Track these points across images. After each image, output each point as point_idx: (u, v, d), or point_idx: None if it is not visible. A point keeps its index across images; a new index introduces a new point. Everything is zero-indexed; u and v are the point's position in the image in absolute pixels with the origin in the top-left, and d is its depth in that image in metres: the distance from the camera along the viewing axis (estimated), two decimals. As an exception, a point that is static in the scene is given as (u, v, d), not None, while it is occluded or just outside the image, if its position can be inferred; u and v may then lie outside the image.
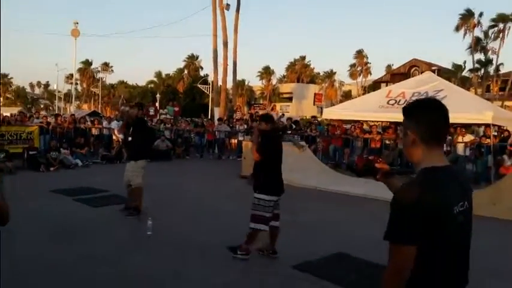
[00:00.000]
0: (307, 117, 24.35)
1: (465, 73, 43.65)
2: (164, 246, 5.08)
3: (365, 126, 14.47)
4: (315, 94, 45.81)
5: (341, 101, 53.54)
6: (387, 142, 12.88)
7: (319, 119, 18.01)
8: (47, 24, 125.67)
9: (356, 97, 52.37)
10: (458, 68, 43.17)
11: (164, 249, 4.99)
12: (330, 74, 64.75)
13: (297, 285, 4.04)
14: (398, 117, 9.90)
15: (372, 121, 14.11)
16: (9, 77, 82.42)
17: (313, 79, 65.00)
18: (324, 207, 7.69)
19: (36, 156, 11.71)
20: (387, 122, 13.99)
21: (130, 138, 6.77)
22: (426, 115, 1.57)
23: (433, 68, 36.83)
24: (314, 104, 44.30)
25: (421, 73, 36.82)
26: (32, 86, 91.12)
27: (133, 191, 6.54)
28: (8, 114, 16.67)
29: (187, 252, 4.88)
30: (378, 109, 13.19)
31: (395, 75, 43.60)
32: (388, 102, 13.41)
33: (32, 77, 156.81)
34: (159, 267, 4.42)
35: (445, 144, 10.20)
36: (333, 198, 8.69)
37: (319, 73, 68.70)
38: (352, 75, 69.45)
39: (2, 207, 1.91)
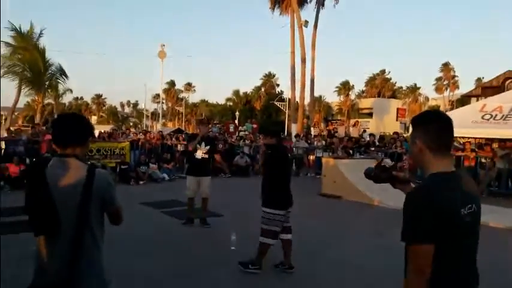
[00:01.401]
0: (390, 134, 23.27)
1: None
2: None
3: (456, 143, 13.41)
4: (398, 109, 43.79)
5: (426, 117, 50.59)
6: (483, 160, 11.78)
7: (405, 135, 17.06)
8: (137, 47, 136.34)
9: (444, 112, 49.02)
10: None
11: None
12: (414, 89, 61.76)
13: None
14: (495, 133, 9.09)
15: (464, 137, 13.04)
16: (103, 97, 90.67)
17: (394, 94, 62.53)
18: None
19: (128, 170, 12.52)
20: (482, 138, 12.86)
21: (200, 155, 6.69)
22: (432, 126, 1.70)
23: (532, 79, 33.37)
24: (397, 120, 42.33)
25: (518, 86, 33.52)
26: (122, 105, 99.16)
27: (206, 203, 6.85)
28: (102, 131, 18.17)
29: (269, 267, 4.80)
30: (471, 124, 12.17)
31: (487, 89, 40.10)
32: (482, 117, 12.33)
33: (122, 97, 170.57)
34: (243, 282, 4.38)
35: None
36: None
37: (401, 87, 66.00)
38: (438, 89, 65.81)
39: (119, 209, 2.11)
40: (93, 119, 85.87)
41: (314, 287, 4.41)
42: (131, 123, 79.76)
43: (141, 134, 18.05)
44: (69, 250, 1.90)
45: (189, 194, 6.76)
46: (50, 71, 20.24)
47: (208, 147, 6.75)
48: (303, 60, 25.80)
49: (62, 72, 21.00)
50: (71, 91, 26.28)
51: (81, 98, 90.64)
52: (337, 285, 4.50)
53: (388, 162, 11.59)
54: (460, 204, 1.62)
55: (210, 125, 8.31)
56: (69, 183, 1.93)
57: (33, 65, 18.98)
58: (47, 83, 20.29)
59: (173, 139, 17.17)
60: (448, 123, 1.73)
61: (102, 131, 18.56)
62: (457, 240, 1.60)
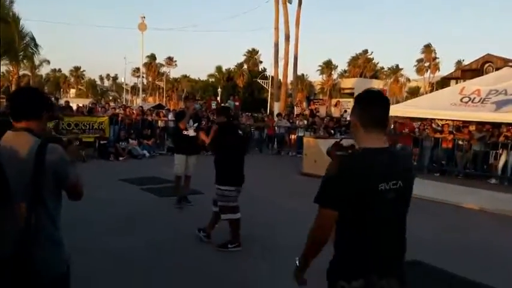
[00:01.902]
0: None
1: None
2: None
3: (434, 125, 13.65)
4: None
5: (407, 98, 51.21)
6: (460, 143, 12.03)
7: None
8: (116, 18, 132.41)
9: (424, 94, 49.84)
10: (539, 63, 39.57)
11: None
12: (395, 70, 62.16)
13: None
14: (473, 116, 9.21)
15: (443, 119, 13.27)
16: (81, 70, 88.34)
17: (376, 74, 62.87)
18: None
19: (107, 146, 12.32)
20: (460, 121, 13.09)
21: (193, 133, 6.63)
22: (365, 104, 1.83)
23: (510, 64, 33.95)
24: (377, 101, 42.72)
25: (496, 69, 34.14)
26: (101, 78, 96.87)
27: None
28: (81, 105, 17.72)
29: (248, 246, 4.84)
30: (449, 107, 12.34)
31: (467, 72, 40.71)
32: (461, 100, 12.49)
33: (102, 70, 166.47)
34: (220, 260, 4.40)
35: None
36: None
37: (382, 68, 66.36)
38: (419, 70, 66.43)
39: (76, 184, 2.08)
40: (72, 92, 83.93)
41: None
42: (111, 97, 78.23)
43: (121, 109, 17.72)
44: (23, 225, 1.91)
45: (178, 172, 6.62)
46: (24, 41, 19.52)
47: (196, 124, 6.69)
48: (287, 38, 25.56)
49: (34, 43, 20.29)
50: (48, 62, 25.49)
51: (59, 70, 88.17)
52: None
53: (348, 142, 11.66)
54: (381, 179, 1.74)
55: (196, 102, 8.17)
56: (20, 158, 1.92)
57: (6, 34, 18.23)
58: (21, 53, 19.57)
59: (154, 115, 16.92)
60: (380, 101, 1.85)
61: (81, 105, 18.07)
62: (370, 211, 1.74)
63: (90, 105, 17.70)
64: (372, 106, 1.84)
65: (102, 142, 12.34)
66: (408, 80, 62.96)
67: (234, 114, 5.36)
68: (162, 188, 8.01)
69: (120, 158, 11.77)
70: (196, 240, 5.00)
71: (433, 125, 13.58)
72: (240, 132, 5.06)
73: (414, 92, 57.64)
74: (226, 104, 28.06)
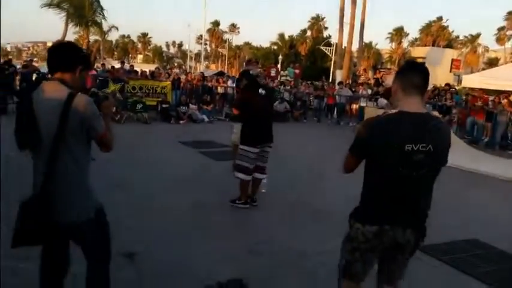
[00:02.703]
0: (441, 85, 21.99)
1: None
2: (277, 205, 5.06)
3: (512, 98, 12.45)
4: (453, 60, 40.90)
5: (483, 69, 47.28)
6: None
7: (457, 88, 16.03)
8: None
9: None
10: None
11: (276, 207, 4.97)
12: (473, 38, 57.15)
13: (415, 267, 3.61)
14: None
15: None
16: (148, 36, 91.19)
17: (450, 43, 58.38)
18: (458, 188, 6.84)
19: (168, 110, 12.71)
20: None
21: None
22: (407, 71, 2.06)
23: None
24: (451, 71, 39.81)
25: None
26: (167, 45, 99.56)
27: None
28: (147, 70, 18.30)
29: (296, 212, 4.80)
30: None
31: (556, 41, 36.61)
32: (547, 71, 11.29)
33: (168, 37, 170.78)
34: (269, 222, 4.40)
35: None
36: (469, 178, 7.69)
37: (458, 36, 61.42)
38: (500, 39, 60.69)
39: (103, 136, 2.11)
40: (139, 58, 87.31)
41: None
42: (175, 64, 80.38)
43: (183, 75, 18.10)
44: (47, 166, 2.02)
45: (236, 141, 6.10)
46: (93, 7, 20.38)
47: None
48: (353, 1, 24.26)
49: (101, 8, 21.08)
50: (117, 29, 26.40)
51: (128, 36, 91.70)
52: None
53: (435, 113, 11.03)
54: (408, 140, 1.91)
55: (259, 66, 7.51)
56: (49, 104, 2.00)
57: (78, 1, 19.12)
58: (90, 18, 20.48)
59: (213, 81, 17.10)
60: (418, 69, 2.06)
61: (145, 70, 18.66)
62: (394, 167, 1.95)
63: (154, 69, 18.18)
64: (411, 72, 2.05)
65: (164, 106, 12.73)
66: (487, 49, 57.77)
67: (252, 76, 5.13)
68: (218, 152, 8.14)
69: (181, 122, 12.11)
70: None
71: (511, 98, 12.38)
72: (262, 91, 4.82)
73: (493, 63, 52.90)
74: (286, 72, 27.64)
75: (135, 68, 17.18)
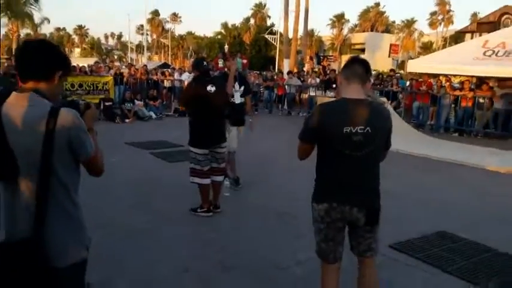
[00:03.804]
0: (383, 71, 22.63)
1: None
2: (241, 209, 4.77)
3: (454, 83, 12.97)
4: (391, 45, 42.63)
5: (419, 54, 49.52)
6: (481, 100, 11.41)
7: (402, 72, 16.49)
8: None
9: (437, 49, 48.06)
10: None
11: (240, 212, 4.68)
12: (409, 23, 59.68)
13: (396, 268, 3.50)
14: (497, 70, 8.65)
15: (463, 75, 12.59)
16: (85, 28, 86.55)
17: (388, 28, 60.62)
18: (411, 174, 6.93)
19: (112, 107, 11.94)
20: (480, 77, 12.40)
21: (239, 99, 5.42)
22: (350, 63, 2.31)
23: (531, 15, 32.26)
24: (389, 56, 41.37)
25: (515, 21, 32.39)
26: (106, 37, 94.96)
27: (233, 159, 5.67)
28: (86, 65, 17.14)
29: (267, 216, 4.53)
30: (472, 61, 11.66)
31: (483, 25, 38.92)
32: (484, 54, 11.79)
33: (106, 28, 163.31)
34: (236, 231, 4.10)
35: None
36: (418, 162, 7.83)
37: (394, 22, 63.91)
38: (432, 24, 63.95)
39: (95, 157, 1.75)
40: (76, 52, 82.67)
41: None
42: (116, 56, 76.98)
43: (125, 68, 17.16)
44: (35, 202, 1.62)
45: (235, 148, 5.49)
46: (22, -1, 18.75)
47: (243, 87, 5.48)
48: (297, -12, 24.16)
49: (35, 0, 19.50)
50: (48, 21, 24.56)
51: (64, 29, 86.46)
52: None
53: (382, 100, 11.25)
54: (347, 124, 2.13)
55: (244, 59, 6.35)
56: (27, 123, 1.59)
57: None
58: (19, 8, 18.80)
59: (159, 74, 16.37)
60: (360, 61, 2.31)
61: (84, 65, 17.48)
62: (336, 147, 2.17)
63: (93, 64, 17.04)
64: (353, 64, 2.30)
65: (107, 103, 11.93)
66: (422, 34, 60.63)
67: (206, 67, 4.52)
68: (170, 152, 7.68)
69: (126, 120, 11.42)
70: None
71: (452, 82, 12.90)
72: (211, 88, 4.28)
73: (427, 47, 55.68)
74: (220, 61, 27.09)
75: (73, 63, 16.02)
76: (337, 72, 16.73)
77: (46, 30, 62.00)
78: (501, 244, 3.95)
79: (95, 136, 1.82)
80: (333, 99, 9.72)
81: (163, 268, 3.35)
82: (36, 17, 21.39)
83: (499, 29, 23.64)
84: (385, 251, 3.75)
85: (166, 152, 7.69)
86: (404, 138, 9.38)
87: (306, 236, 4.03)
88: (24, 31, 26.17)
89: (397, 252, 3.75)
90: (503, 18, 38.51)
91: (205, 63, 4.54)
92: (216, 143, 4.40)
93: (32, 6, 19.42)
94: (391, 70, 16.98)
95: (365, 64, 2.29)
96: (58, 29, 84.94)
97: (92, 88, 13.26)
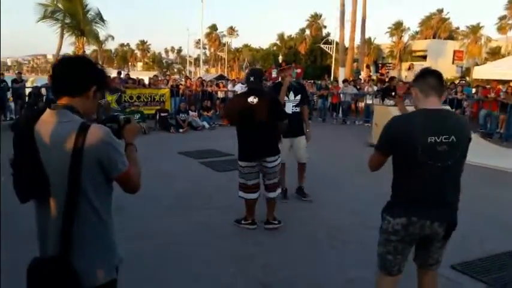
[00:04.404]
0: (446, 78, 21.37)
1: None
2: (286, 223, 4.54)
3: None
4: (455, 51, 40.46)
5: (486, 59, 46.48)
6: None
7: (467, 79, 15.48)
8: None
9: (506, 54, 44.84)
10: None
11: (287, 227, 4.45)
12: (475, 28, 56.40)
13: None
14: None
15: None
16: (147, 44, 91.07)
17: (451, 35, 57.65)
18: (480, 186, 6.30)
19: (167, 118, 12.23)
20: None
21: (293, 108, 5.16)
22: (424, 76, 2.25)
23: None
24: (453, 63, 39.23)
25: None
26: (166, 51, 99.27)
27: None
28: (144, 78, 17.84)
29: (313, 232, 4.27)
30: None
31: (559, 27, 35.93)
32: None
33: (166, 43, 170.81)
34: (278, 246, 3.89)
35: None
36: (488, 174, 7.15)
37: (458, 28, 60.69)
38: (501, 29, 59.92)
39: (128, 174, 1.66)
40: (139, 66, 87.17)
41: (359, 245, 3.84)
42: (175, 70, 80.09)
43: (182, 81, 17.65)
44: (62, 222, 1.58)
45: (284, 159, 5.10)
46: (89, 16, 19.98)
47: (299, 96, 5.22)
48: (354, -3, 23.67)
49: (100, 17, 20.70)
50: (113, 38, 25.97)
51: (127, 45, 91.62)
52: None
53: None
54: (431, 133, 2.07)
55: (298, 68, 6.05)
56: (56, 140, 1.56)
57: (73, 10, 18.72)
58: (86, 28, 20.06)
59: (214, 86, 16.63)
60: (433, 73, 2.24)
61: (143, 78, 18.19)
62: (419, 158, 2.07)
63: (152, 77, 17.68)
64: (427, 76, 2.23)
65: (162, 114, 12.24)
66: (489, 40, 56.98)
67: (252, 82, 4.23)
68: (220, 161, 7.65)
69: (180, 130, 11.62)
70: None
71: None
72: (253, 99, 4.05)
73: (495, 53, 52.14)
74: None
75: (133, 77, 16.75)
76: (397, 79, 16.05)
77: (111, 46, 65.84)
78: None
79: (133, 152, 1.77)
80: (392, 107, 9.19)
81: (199, 284, 3.22)
82: (101, 34, 22.71)
83: None
84: (447, 272, 3.37)
85: (216, 161, 7.66)
86: (472, 148, 8.66)
87: (355, 252, 3.76)
88: (91, 47, 27.85)
89: (460, 274, 3.35)
90: None
91: (252, 78, 4.22)
92: (261, 156, 4.15)
93: (98, 25, 20.69)
94: (461, 77, 15.92)
95: (439, 76, 2.23)
96: (122, 45, 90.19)
97: (149, 100, 13.76)
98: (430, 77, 2.21)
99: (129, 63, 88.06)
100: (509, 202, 5.55)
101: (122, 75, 15.97)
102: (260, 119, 4.04)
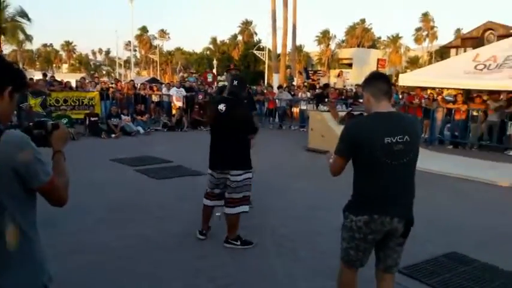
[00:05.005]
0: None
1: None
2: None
3: (445, 94, 12.86)
4: (378, 60, 42.94)
5: (406, 68, 50.02)
6: (475, 113, 11.27)
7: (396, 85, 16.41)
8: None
9: (423, 63, 48.53)
10: (543, 30, 38.49)
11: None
12: (395, 39, 60.62)
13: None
14: (490, 84, 8.47)
15: (457, 89, 12.49)
16: (73, 44, 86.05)
17: (374, 44, 61.38)
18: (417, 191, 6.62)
19: (98, 123, 11.54)
20: (473, 90, 12.31)
21: None
22: (374, 81, 2.37)
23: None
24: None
25: (498, 37, 32.99)
26: (94, 53, 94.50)
27: None
28: (71, 81, 16.69)
29: (261, 240, 4.15)
30: (463, 75, 11.56)
31: (467, 40, 39.55)
32: (476, 67, 11.71)
33: (94, 44, 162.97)
34: (226, 257, 3.73)
35: None
36: (418, 177, 7.51)
37: (380, 38, 64.88)
38: (417, 39, 65.15)
39: (51, 185, 1.48)
40: (64, 68, 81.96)
41: (308, 253, 3.79)
42: (104, 72, 76.45)
43: (112, 83, 16.82)
44: None
45: None
46: (7, 13, 18.30)
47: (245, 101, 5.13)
48: (285, 4, 24.24)
49: (23, 15, 19.08)
50: (31, 38, 24.01)
51: (51, 45, 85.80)
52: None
53: (358, 109, 10.98)
54: (387, 134, 2.19)
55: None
56: None
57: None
58: (8, 25, 18.34)
59: (147, 89, 16.03)
60: (383, 78, 2.39)
61: (69, 81, 17.02)
62: (378, 158, 2.19)
63: (79, 79, 16.56)
64: (378, 82, 2.34)
65: (92, 119, 11.50)
66: (408, 49, 61.55)
67: (222, 90, 4.20)
68: (157, 168, 7.29)
69: (113, 136, 10.99)
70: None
71: (444, 95, 12.79)
72: (222, 107, 3.82)
73: (414, 62, 56.44)
74: (223, 77, 26.85)
75: (58, 79, 15.61)
76: (331, 86, 16.61)
77: (32, 46, 61.09)
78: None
79: (61, 160, 1.59)
80: (326, 113, 9.40)
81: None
82: (20, 34, 20.96)
83: (482, 44, 23.96)
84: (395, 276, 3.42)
85: (152, 168, 7.30)
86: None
87: (305, 261, 3.71)
88: (10, 47, 25.67)
89: (407, 278, 3.41)
90: (486, 34, 39.16)
91: (235, 82, 3.94)
92: (223, 167, 3.91)
93: (21, 22, 19.02)
94: (392, 84, 16.83)
95: (388, 81, 2.39)
96: (45, 45, 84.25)
97: (77, 103, 12.92)
98: (380, 83, 2.33)
99: (54, 65, 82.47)
100: (441, 204, 5.87)
101: (48, 78, 14.82)
102: (224, 129, 3.84)
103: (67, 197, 1.54)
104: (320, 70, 37.59)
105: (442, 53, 47.10)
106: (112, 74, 61.77)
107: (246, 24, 63.86)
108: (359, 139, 2.23)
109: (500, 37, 29.44)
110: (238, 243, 3.97)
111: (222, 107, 3.83)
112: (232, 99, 3.91)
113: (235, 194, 3.90)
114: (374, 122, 2.26)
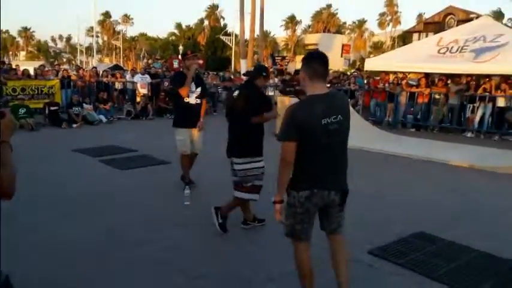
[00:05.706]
0: (335, 70, 22.84)
1: (505, 21, 40.51)
2: (204, 221, 4.30)
3: (410, 81, 13.13)
4: (343, 45, 43.46)
5: (370, 53, 50.82)
6: (437, 97, 11.57)
7: (359, 73, 16.62)
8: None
9: (386, 48, 49.45)
10: (498, 15, 40.03)
11: (204, 224, 4.21)
12: (360, 23, 61.29)
13: (380, 279, 3.19)
14: (452, 68, 8.72)
15: (420, 72, 12.77)
16: (31, 31, 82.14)
17: (340, 29, 61.88)
18: (377, 171, 6.75)
19: (58, 112, 11.06)
20: (436, 74, 12.63)
21: (196, 99, 5.27)
22: (309, 60, 2.47)
23: (472, 15, 33.90)
24: (341, 56, 42.13)
25: (458, 22, 33.93)
26: (53, 39, 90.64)
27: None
28: (31, 68, 15.87)
29: (231, 225, 4.09)
30: (427, 59, 11.86)
31: (429, 25, 40.73)
32: (439, 51, 12.03)
33: (53, 30, 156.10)
34: (205, 242, 3.65)
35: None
36: (382, 159, 7.71)
37: (345, 23, 65.47)
38: (381, 24, 66.13)
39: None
40: (22, 55, 78.19)
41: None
42: (64, 59, 73.51)
43: (74, 71, 16.14)
44: None
45: (184, 150, 5.28)
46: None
47: (199, 89, 5.30)
48: (253, -11, 23.91)
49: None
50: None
51: (7, 32, 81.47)
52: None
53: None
54: (323, 115, 2.33)
55: (199, 59, 6.24)
56: None
57: None
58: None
59: (109, 76, 15.49)
60: (320, 59, 2.46)
61: (27, 69, 16.18)
62: (317, 139, 2.35)
63: (39, 67, 15.75)
64: (314, 63, 2.43)
65: (52, 108, 11.00)
66: (372, 34, 62.48)
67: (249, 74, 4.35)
68: (122, 158, 7.07)
69: (74, 125, 10.55)
70: (167, 223, 4.21)
71: (408, 80, 13.06)
72: (236, 93, 3.97)
73: (377, 47, 57.40)
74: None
75: (15, 67, 14.79)
76: (295, 72, 16.61)
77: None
78: (481, 243, 3.76)
79: (7, 151, 1.45)
80: (294, 98, 9.45)
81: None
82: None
83: (444, 29, 24.62)
84: (365, 257, 3.46)
85: (117, 158, 7.06)
86: (365, 135, 9.24)
87: (275, 248, 3.68)
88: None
89: (378, 259, 3.45)
90: (447, 19, 40.32)
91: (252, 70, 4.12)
92: (229, 154, 4.00)
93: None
94: (357, 69, 17.06)
95: (325, 61, 2.46)
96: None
97: (36, 92, 12.35)
98: (317, 64, 2.42)
99: (10, 52, 78.49)
100: (407, 185, 5.99)
101: (5, 66, 14.03)
102: (235, 114, 3.93)
103: (14, 189, 1.43)
104: (287, 56, 37.64)
105: (405, 38, 48.10)
106: (73, 62, 59.47)
107: (213, 8, 62.82)
108: (301, 122, 2.33)
109: (461, 22, 30.44)
110: (220, 221, 3.99)
111: (236, 92, 3.98)
112: (245, 83, 4.11)
113: (238, 178, 3.95)
114: (312, 105, 2.37)
